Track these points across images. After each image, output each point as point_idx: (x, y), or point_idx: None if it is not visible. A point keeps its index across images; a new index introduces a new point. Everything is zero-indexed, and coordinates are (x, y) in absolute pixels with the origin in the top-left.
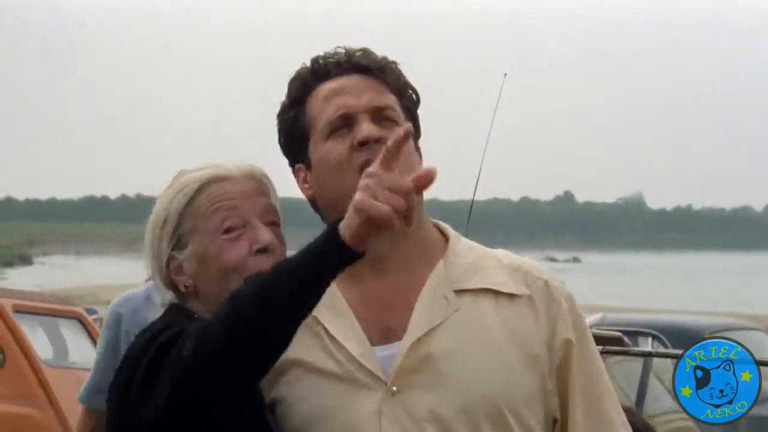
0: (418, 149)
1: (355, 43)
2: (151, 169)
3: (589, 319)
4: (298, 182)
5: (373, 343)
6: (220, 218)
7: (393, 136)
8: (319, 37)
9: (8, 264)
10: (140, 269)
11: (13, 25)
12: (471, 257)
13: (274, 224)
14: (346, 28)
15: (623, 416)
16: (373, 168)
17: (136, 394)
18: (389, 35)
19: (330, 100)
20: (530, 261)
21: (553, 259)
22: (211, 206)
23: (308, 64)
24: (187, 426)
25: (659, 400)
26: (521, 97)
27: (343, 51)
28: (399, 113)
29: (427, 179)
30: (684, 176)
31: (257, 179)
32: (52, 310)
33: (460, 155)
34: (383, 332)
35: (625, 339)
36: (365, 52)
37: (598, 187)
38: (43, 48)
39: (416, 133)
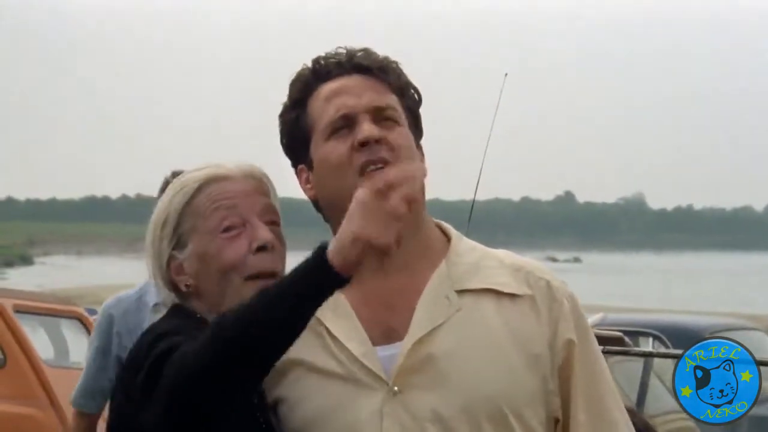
0: (419, 148)
1: (356, 43)
2: (151, 169)
3: (590, 319)
4: (300, 183)
5: (374, 343)
6: (219, 217)
7: (400, 172)
8: (319, 37)
9: (9, 264)
10: (141, 269)
11: (13, 25)
12: (473, 257)
13: (273, 223)
14: (346, 28)
15: (626, 416)
16: (368, 195)
17: (138, 398)
18: (389, 35)
19: (331, 100)
20: (532, 261)
21: (553, 259)
22: (211, 205)
23: (309, 64)
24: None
25: (660, 400)
26: (521, 97)
27: (344, 51)
28: (400, 113)
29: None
30: (684, 176)
31: (257, 179)
32: (53, 310)
33: (460, 155)
34: (385, 332)
35: (626, 339)
36: (366, 52)
37: (599, 187)
38: (43, 48)
39: (418, 132)
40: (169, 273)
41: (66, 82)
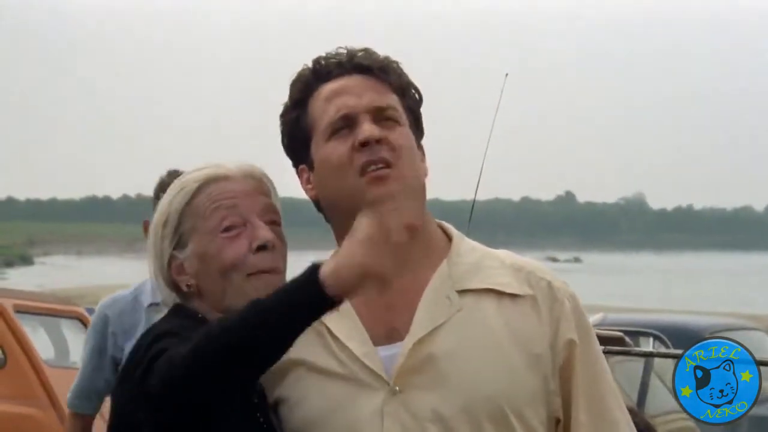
0: (420, 148)
1: (356, 43)
2: (152, 169)
3: (590, 319)
4: (301, 183)
5: (375, 343)
6: (219, 217)
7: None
8: (319, 37)
9: (9, 264)
10: (141, 269)
11: (13, 25)
12: (474, 257)
13: (274, 223)
14: (346, 28)
15: (627, 416)
16: (373, 227)
17: (135, 395)
18: (389, 35)
19: (331, 100)
20: (533, 261)
21: (554, 259)
22: (211, 205)
23: (310, 64)
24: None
25: (660, 400)
26: (521, 97)
27: (345, 51)
28: (401, 113)
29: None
30: (685, 176)
31: (257, 179)
32: (53, 310)
33: (460, 155)
34: (386, 332)
35: (627, 339)
36: (367, 52)
37: (599, 187)
38: (43, 48)
39: (419, 132)
40: (170, 273)
41: (66, 82)
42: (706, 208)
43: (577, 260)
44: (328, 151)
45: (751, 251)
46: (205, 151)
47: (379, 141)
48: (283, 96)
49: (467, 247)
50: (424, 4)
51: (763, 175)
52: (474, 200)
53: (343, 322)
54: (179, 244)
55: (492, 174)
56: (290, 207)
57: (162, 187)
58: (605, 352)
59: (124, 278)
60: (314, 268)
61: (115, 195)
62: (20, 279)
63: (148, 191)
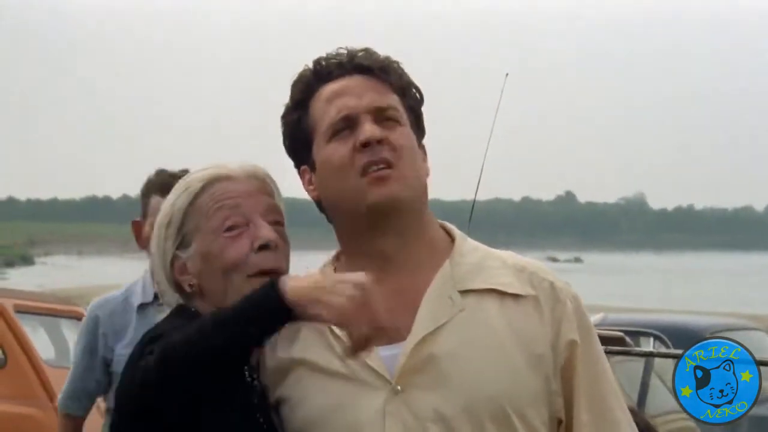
0: (422, 148)
1: (356, 43)
2: (152, 169)
3: (590, 319)
4: (303, 184)
5: (377, 343)
6: (222, 217)
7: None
8: (319, 37)
9: (10, 264)
10: (141, 269)
11: (13, 25)
12: (476, 257)
13: (277, 223)
14: (346, 28)
15: (629, 416)
16: (369, 283)
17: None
18: (389, 35)
19: (332, 101)
20: (535, 262)
21: (554, 259)
22: (214, 205)
23: (310, 65)
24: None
25: (661, 400)
26: (521, 97)
27: (345, 52)
28: (401, 113)
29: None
30: (685, 176)
31: (260, 179)
32: (54, 310)
33: (460, 155)
34: (388, 332)
35: (627, 339)
36: (367, 52)
37: (600, 187)
38: (43, 48)
39: (420, 132)
40: (173, 273)
41: (66, 82)
42: (707, 208)
43: (577, 260)
44: (329, 152)
45: (751, 251)
46: (205, 151)
47: (380, 141)
48: (283, 96)
49: (470, 248)
50: (424, 4)
51: (763, 175)
52: (474, 200)
53: None
54: (182, 243)
55: (492, 174)
56: (292, 207)
57: (149, 186)
58: (606, 352)
59: (125, 278)
60: (273, 282)
61: (115, 195)
62: (21, 279)
63: None
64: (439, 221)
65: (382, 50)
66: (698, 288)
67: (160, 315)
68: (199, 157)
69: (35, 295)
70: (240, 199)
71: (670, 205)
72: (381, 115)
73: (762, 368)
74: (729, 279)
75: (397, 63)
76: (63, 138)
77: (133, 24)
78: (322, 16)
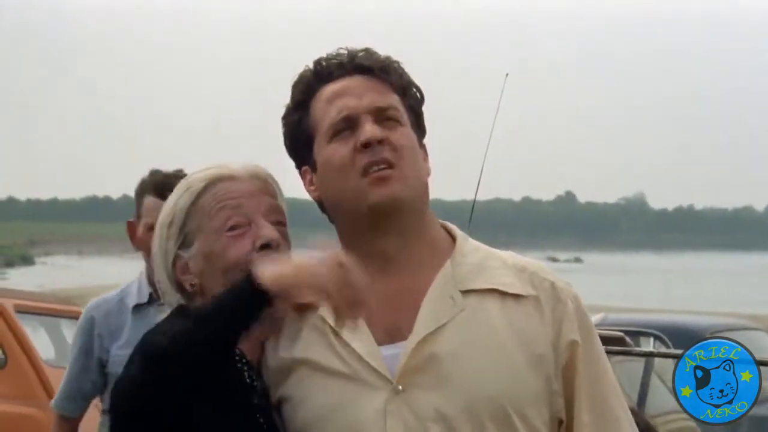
0: (423, 147)
1: (356, 43)
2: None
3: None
4: (304, 184)
5: (379, 342)
6: (224, 216)
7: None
8: (319, 37)
9: (10, 264)
10: (141, 270)
11: (13, 25)
12: (477, 257)
13: (279, 223)
14: (346, 28)
15: (630, 416)
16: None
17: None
18: (389, 35)
19: (332, 102)
20: (536, 262)
21: (554, 259)
22: (216, 205)
23: (311, 65)
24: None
25: (661, 400)
26: (521, 97)
27: (346, 52)
28: (402, 113)
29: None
30: (685, 176)
31: (262, 179)
32: (54, 310)
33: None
34: (389, 332)
35: (627, 339)
36: (368, 52)
37: (600, 187)
38: (43, 48)
39: (420, 132)
40: (174, 272)
41: (66, 82)
42: (707, 208)
43: (577, 260)
44: (330, 152)
45: (751, 251)
46: (205, 151)
47: (380, 142)
48: (283, 96)
49: (471, 248)
50: (424, 4)
51: (763, 175)
52: (474, 200)
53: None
54: (184, 243)
55: (492, 174)
56: (293, 207)
57: (143, 186)
58: (606, 352)
59: (125, 278)
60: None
61: (115, 195)
62: (21, 279)
63: None
64: (441, 221)
65: (382, 50)
66: (698, 288)
67: (161, 315)
68: (199, 157)
69: (35, 295)
70: (242, 199)
71: (670, 205)
72: (381, 115)
73: (762, 368)
74: (729, 279)
75: (398, 63)
76: (63, 138)
77: (133, 24)
78: (322, 16)
